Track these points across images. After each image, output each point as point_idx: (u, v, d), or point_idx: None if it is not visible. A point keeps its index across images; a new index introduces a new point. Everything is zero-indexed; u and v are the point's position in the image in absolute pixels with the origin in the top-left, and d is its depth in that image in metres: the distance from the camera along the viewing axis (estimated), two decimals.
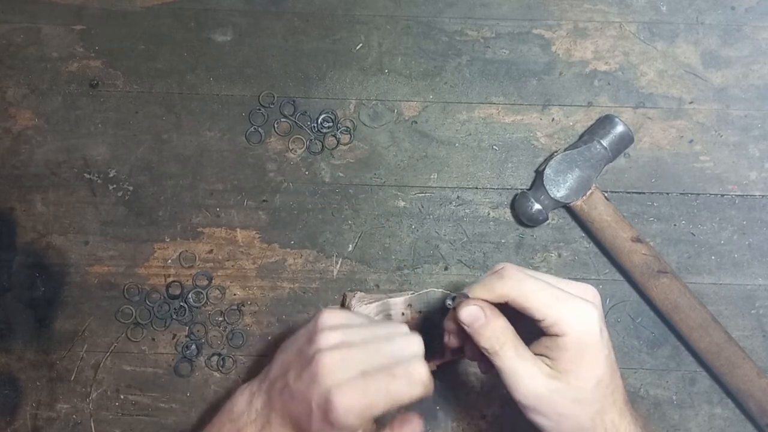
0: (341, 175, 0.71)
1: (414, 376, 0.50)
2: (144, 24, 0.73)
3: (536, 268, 0.70)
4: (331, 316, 0.52)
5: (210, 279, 0.70)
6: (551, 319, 0.50)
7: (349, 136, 0.71)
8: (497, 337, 0.51)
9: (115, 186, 0.71)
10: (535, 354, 0.51)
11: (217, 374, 0.69)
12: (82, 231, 0.70)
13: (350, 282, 0.70)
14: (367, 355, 0.50)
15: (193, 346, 0.69)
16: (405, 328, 0.53)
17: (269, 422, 0.51)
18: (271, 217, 0.71)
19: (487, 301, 0.51)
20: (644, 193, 0.71)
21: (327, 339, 0.50)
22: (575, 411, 0.50)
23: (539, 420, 0.51)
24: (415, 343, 0.52)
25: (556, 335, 0.50)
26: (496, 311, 0.51)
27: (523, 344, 0.51)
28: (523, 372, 0.50)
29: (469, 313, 0.51)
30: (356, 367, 0.49)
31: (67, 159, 0.71)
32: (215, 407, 0.68)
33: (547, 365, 0.50)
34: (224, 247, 0.70)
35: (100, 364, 0.69)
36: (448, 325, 0.55)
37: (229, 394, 0.69)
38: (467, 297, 0.52)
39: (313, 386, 0.48)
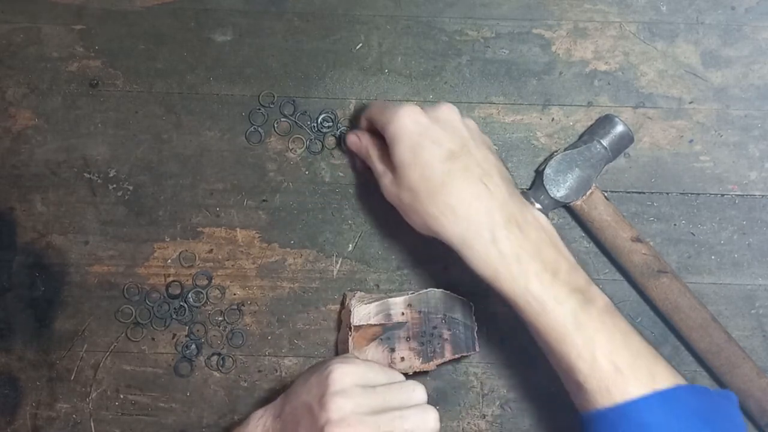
0: (341, 174, 0.71)
1: None
2: (144, 24, 0.73)
3: None
4: (343, 375, 0.51)
5: (210, 279, 0.70)
6: (379, 127, 0.62)
7: None
8: (368, 148, 0.64)
9: (115, 186, 0.71)
10: None
11: (216, 374, 0.69)
12: (82, 231, 0.70)
13: (350, 282, 0.70)
14: None
15: (193, 346, 0.69)
16: (421, 393, 0.53)
17: None
18: (271, 217, 0.71)
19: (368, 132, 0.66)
20: (644, 193, 0.71)
21: (338, 408, 0.49)
22: (415, 206, 0.58)
23: (405, 217, 0.61)
24: (431, 421, 0.52)
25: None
26: (368, 133, 0.66)
27: (387, 154, 0.61)
28: (382, 172, 0.62)
29: (349, 140, 0.67)
30: None
31: (67, 159, 0.71)
32: (215, 408, 0.69)
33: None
34: (224, 247, 0.70)
35: (100, 363, 0.69)
36: (350, 156, 0.70)
37: (229, 394, 0.69)
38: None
39: None
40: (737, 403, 0.56)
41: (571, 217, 0.71)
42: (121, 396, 0.69)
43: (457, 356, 0.65)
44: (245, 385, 0.69)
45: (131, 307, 0.69)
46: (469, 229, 0.56)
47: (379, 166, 0.62)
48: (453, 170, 0.57)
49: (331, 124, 0.72)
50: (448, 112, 0.60)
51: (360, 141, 0.66)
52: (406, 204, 0.59)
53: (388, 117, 0.60)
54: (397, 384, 0.53)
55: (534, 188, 0.69)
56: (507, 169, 0.61)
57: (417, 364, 0.64)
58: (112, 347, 0.69)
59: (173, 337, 0.69)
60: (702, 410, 0.52)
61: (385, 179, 0.61)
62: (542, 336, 0.55)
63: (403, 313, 0.65)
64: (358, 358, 0.54)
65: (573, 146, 0.69)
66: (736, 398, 0.57)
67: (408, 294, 0.67)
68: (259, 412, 0.56)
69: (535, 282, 0.54)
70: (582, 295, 0.54)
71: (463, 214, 0.56)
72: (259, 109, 0.72)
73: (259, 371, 0.69)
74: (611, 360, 0.52)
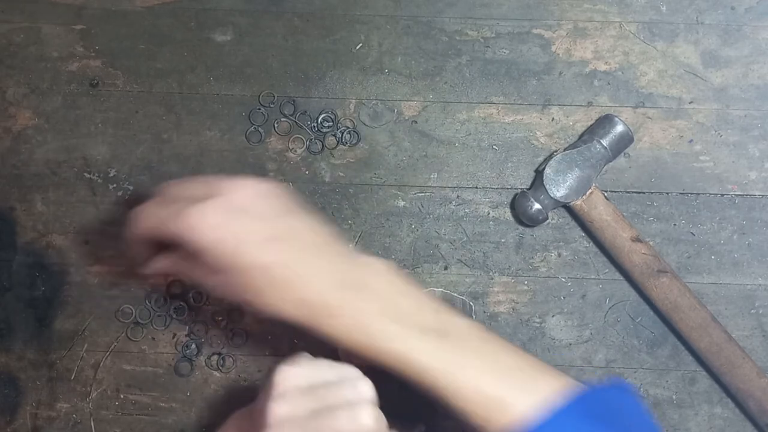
0: (341, 174, 0.71)
1: None
2: (144, 24, 0.73)
3: (536, 268, 0.70)
4: (284, 378, 0.50)
5: None
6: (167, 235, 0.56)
7: (350, 136, 0.71)
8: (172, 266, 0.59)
9: (115, 185, 0.71)
10: None
11: (217, 374, 0.69)
12: (82, 230, 0.70)
13: None
14: None
15: (193, 346, 0.69)
16: (364, 389, 0.51)
17: None
18: None
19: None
20: (644, 192, 0.71)
21: (273, 414, 0.49)
22: (257, 303, 0.55)
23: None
24: (363, 418, 0.50)
25: None
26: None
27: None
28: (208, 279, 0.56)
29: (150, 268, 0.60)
30: None
31: (67, 158, 0.71)
32: (215, 407, 0.69)
33: None
34: None
35: (100, 363, 0.69)
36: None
37: (229, 393, 0.69)
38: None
39: None
40: (629, 389, 0.54)
41: (571, 217, 0.71)
42: (122, 396, 0.69)
43: None
44: (245, 384, 0.69)
45: (131, 307, 0.69)
46: (312, 311, 0.54)
47: (199, 276, 0.57)
48: (277, 261, 0.53)
49: (331, 124, 0.72)
50: (242, 196, 0.56)
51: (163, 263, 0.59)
52: (251, 301, 0.55)
53: (177, 225, 0.54)
54: (337, 383, 0.52)
55: (534, 188, 0.69)
56: (318, 227, 0.57)
57: None
58: (113, 347, 0.69)
59: (173, 337, 0.69)
60: (599, 412, 0.50)
61: (215, 284, 0.56)
62: (421, 387, 0.53)
63: None
64: (307, 356, 0.54)
65: (573, 146, 0.69)
66: (627, 384, 0.55)
67: None
68: (238, 413, 0.56)
69: (390, 339, 0.52)
70: (437, 331, 0.53)
71: (300, 298, 0.54)
72: (259, 109, 0.72)
73: (259, 371, 0.69)
74: (495, 388, 0.51)
